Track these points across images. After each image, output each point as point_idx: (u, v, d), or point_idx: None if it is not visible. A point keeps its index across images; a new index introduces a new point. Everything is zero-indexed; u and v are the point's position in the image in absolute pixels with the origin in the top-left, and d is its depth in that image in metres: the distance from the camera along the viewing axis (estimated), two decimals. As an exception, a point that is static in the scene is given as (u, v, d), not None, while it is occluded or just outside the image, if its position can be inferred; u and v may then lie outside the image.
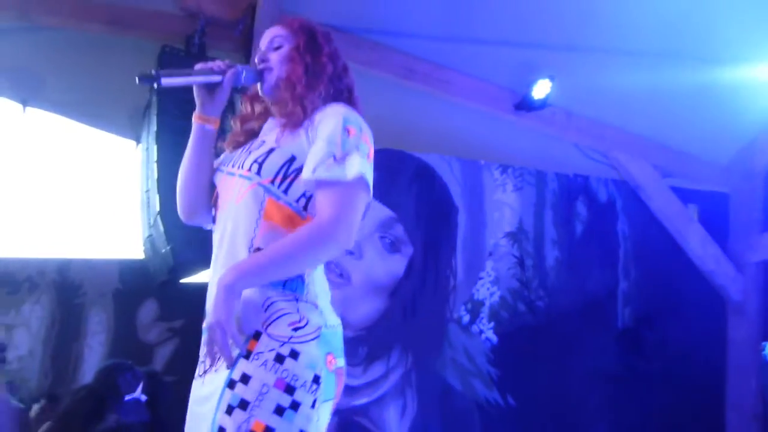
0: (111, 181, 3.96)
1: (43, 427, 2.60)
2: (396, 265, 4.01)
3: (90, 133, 3.85)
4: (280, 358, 1.34)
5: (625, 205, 4.56)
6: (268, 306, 1.40)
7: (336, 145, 1.42)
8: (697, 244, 4.50)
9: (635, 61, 3.78)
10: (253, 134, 1.63)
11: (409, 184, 4.12)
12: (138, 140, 3.59)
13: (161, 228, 3.04)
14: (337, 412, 3.86)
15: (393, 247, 4.01)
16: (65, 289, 3.75)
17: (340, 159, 1.41)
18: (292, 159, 1.47)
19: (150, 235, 3.27)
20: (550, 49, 3.79)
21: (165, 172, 3.01)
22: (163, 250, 3.11)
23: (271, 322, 1.38)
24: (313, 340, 1.38)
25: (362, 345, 3.87)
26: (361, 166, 1.42)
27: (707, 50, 3.65)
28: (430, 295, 4.07)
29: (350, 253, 3.90)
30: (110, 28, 3.47)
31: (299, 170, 1.46)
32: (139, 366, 2.92)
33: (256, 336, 1.37)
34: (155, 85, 1.52)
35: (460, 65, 3.94)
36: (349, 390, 3.79)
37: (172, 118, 3.09)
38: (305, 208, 1.45)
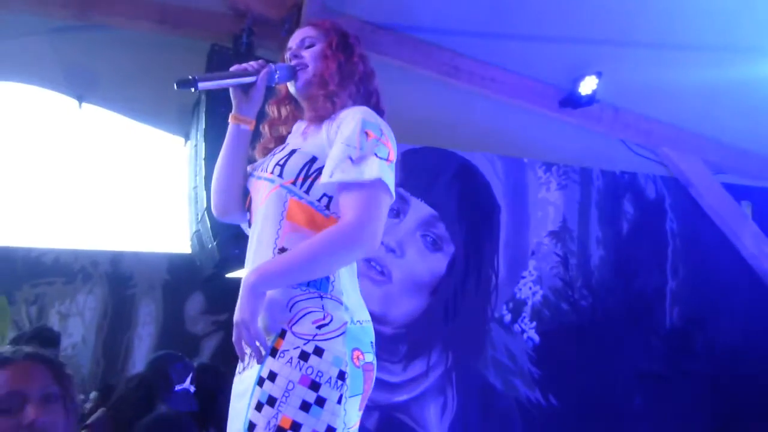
0: (161, 177, 4.06)
1: (96, 415, 2.70)
2: (437, 263, 4.01)
3: (141, 130, 3.96)
4: (304, 356, 1.38)
5: (674, 203, 4.45)
6: (293, 305, 1.43)
7: (353, 148, 1.44)
8: (751, 242, 4.36)
9: (685, 55, 3.67)
10: (281, 140, 1.67)
11: (451, 182, 4.10)
12: (187, 137, 3.68)
13: (208, 224, 3.11)
14: (377, 408, 3.92)
15: (435, 246, 4.01)
16: (117, 280, 3.87)
17: (357, 161, 1.43)
18: (313, 159, 1.50)
19: (197, 231, 3.35)
20: (596, 44, 3.71)
21: (212, 169, 3.07)
22: (210, 245, 3.19)
23: (296, 321, 1.41)
24: (338, 336, 1.41)
25: (402, 343, 3.88)
26: (379, 168, 1.43)
27: (761, 43, 3.52)
28: (471, 293, 4.06)
29: (392, 251, 3.92)
30: (161, 27, 3.56)
31: (320, 170, 1.48)
32: (187, 357, 3.00)
33: (282, 334, 1.41)
34: (192, 90, 1.56)
35: (505, 62, 3.90)
36: (389, 386, 3.82)
37: (220, 117, 3.15)
38: (327, 207, 1.48)
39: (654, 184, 4.44)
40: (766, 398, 4.31)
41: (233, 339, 1.49)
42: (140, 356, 3.63)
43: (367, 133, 1.46)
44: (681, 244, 4.42)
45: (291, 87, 1.64)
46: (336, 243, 1.41)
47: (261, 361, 1.39)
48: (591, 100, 3.91)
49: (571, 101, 3.93)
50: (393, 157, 1.50)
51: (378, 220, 1.43)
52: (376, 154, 1.45)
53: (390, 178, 1.46)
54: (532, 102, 4.02)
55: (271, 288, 1.42)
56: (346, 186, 1.43)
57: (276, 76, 1.60)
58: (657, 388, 4.21)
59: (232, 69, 1.62)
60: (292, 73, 1.61)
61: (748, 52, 3.58)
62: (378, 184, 1.43)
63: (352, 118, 1.49)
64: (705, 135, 4.33)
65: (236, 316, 1.40)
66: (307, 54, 1.61)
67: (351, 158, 1.43)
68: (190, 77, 1.55)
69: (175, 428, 1.99)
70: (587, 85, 3.84)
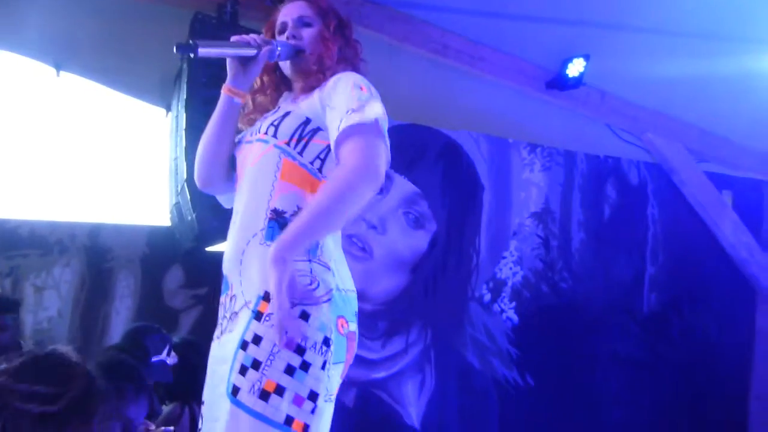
0: (141, 148, 4.00)
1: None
2: (419, 241, 4.00)
3: (122, 100, 3.88)
4: None
5: (657, 189, 4.48)
6: None
7: (353, 102, 1.46)
8: (730, 231, 4.41)
9: (675, 42, 3.67)
10: (265, 110, 1.66)
11: (435, 160, 4.09)
12: (168, 108, 3.62)
13: (188, 196, 3.06)
14: (355, 384, 3.93)
15: (417, 223, 4.00)
16: (95, 253, 3.81)
17: (358, 108, 1.44)
18: (307, 121, 1.50)
19: (177, 203, 3.30)
20: (586, 26, 3.70)
21: (193, 140, 3.01)
22: (189, 218, 3.15)
23: None
24: (324, 302, 1.40)
25: (382, 320, 3.89)
26: (380, 109, 1.46)
27: (750, 34, 3.53)
28: (452, 272, 4.06)
29: (373, 227, 3.90)
30: (143, -6, 3.47)
31: (313, 132, 1.49)
32: (165, 331, 2.97)
33: (267, 297, 1.39)
34: (192, 55, 1.54)
35: (494, 41, 3.87)
36: (367, 363, 3.83)
37: (202, 87, 3.09)
38: (320, 170, 1.48)
39: (637, 169, 4.46)
40: (740, 384, 4.39)
41: (221, 301, 1.50)
42: (118, 330, 3.59)
43: (360, 87, 1.49)
44: (661, 230, 4.46)
45: (285, 62, 1.64)
46: (344, 186, 1.40)
47: (292, 348, 1.36)
48: (578, 82, 3.90)
49: (558, 83, 3.92)
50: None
51: (380, 156, 1.43)
52: (373, 99, 1.48)
53: (386, 124, 1.48)
54: (520, 82, 4.00)
55: (297, 252, 1.39)
56: (350, 130, 1.43)
57: (277, 54, 1.59)
58: (633, 372, 4.26)
59: (233, 39, 1.59)
60: (293, 54, 1.61)
61: (737, 43, 3.59)
62: (377, 127, 1.44)
63: (343, 83, 1.50)
64: (690, 123, 4.35)
65: (274, 302, 1.34)
66: (305, 34, 1.61)
67: (353, 110, 1.44)
68: (191, 42, 1.53)
69: (127, 373, 1.97)
70: (575, 68, 3.83)
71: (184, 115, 3.15)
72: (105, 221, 3.91)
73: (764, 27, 3.49)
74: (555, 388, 4.10)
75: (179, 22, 3.30)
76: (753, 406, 4.38)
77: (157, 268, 3.85)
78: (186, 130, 3.12)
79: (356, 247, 3.85)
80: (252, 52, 1.56)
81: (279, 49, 1.59)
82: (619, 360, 4.25)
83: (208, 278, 3.73)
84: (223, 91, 1.62)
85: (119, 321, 3.75)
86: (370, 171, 1.41)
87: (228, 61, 1.60)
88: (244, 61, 1.58)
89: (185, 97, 3.17)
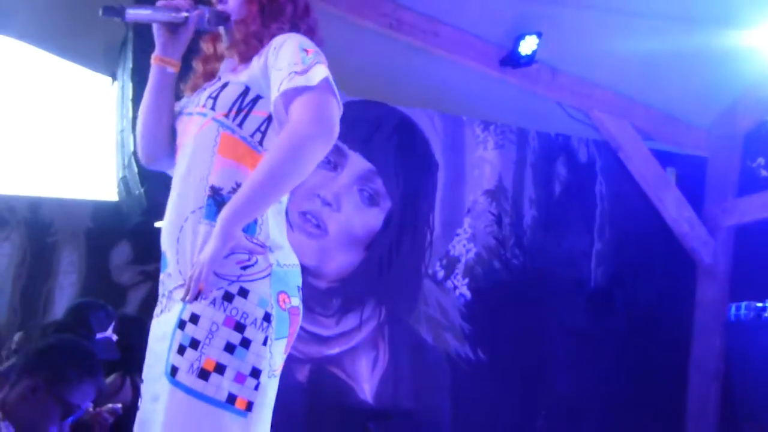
0: (86, 118, 3.86)
1: (6, 363, 2.58)
2: (374, 218, 4.00)
3: (65, 67, 3.73)
4: (228, 297, 1.35)
5: (605, 166, 4.57)
6: None
7: (296, 65, 1.39)
8: (673, 207, 4.54)
9: (624, 21, 3.73)
10: (212, 77, 1.60)
11: (389, 137, 4.07)
12: (114, 77, 3.49)
13: (135, 169, 2.98)
14: (309, 361, 3.93)
15: (371, 201, 3.99)
16: (36, 227, 3.68)
17: (301, 72, 1.38)
18: (246, 90, 1.45)
19: (124, 177, 3.21)
20: (539, 3, 3.72)
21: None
22: (137, 192, 3.06)
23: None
24: (263, 278, 1.38)
25: (336, 296, 3.89)
26: (325, 72, 1.39)
27: (695, 13, 3.61)
28: (406, 249, 4.08)
29: (328, 204, 3.87)
30: (86, -43, 3.32)
31: (253, 102, 1.44)
32: (112, 308, 2.90)
33: None
34: (117, 19, 1.48)
35: (447, 17, 3.85)
36: (321, 340, 3.83)
37: (149, 56, 2.97)
38: (260, 143, 1.43)
39: (586, 147, 4.55)
40: (681, 355, 4.57)
41: (161, 279, 1.46)
42: (61, 306, 3.48)
43: (306, 50, 1.42)
44: (609, 206, 4.57)
45: (221, 30, 1.59)
46: (295, 144, 1.35)
47: (191, 300, 1.34)
48: (530, 60, 3.92)
49: (511, 60, 3.94)
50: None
51: (331, 114, 1.37)
52: (319, 63, 1.41)
53: (334, 87, 1.42)
54: (473, 59, 4.00)
55: (247, 220, 1.36)
56: (294, 92, 1.37)
57: (206, 20, 1.54)
58: (580, 344, 4.39)
59: (159, 4, 1.53)
60: (222, 20, 1.55)
61: (683, 22, 3.67)
62: (326, 84, 1.39)
63: (287, 43, 1.44)
64: (636, 101, 4.43)
65: (202, 254, 1.35)
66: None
67: (296, 72, 1.38)
68: (117, 6, 1.47)
69: (74, 355, 1.93)
70: (527, 45, 3.85)
71: (131, 85, 3.05)
72: (47, 195, 3.78)
73: (707, 7, 3.57)
74: (506, 362, 4.19)
75: (125, -12, 3.17)
76: (692, 375, 4.57)
77: (103, 244, 3.75)
78: (133, 101, 3.02)
79: (311, 224, 3.82)
80: (180, 17, 1.51)
81: (208, 16, 1.53)
82: (568, 333, 4.37)
83: (156, 254, 3.64)
84: (153, 62, 1.55)
85: (64, 297, 3.64)
86: (321, 126, 1.36)
87: (155, 28, 1.53)
88: (173, 28, 1.52)
89: (132, 66, 3.07)
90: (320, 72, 1.39)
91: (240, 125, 1.43)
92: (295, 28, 1.53)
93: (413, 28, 3.82)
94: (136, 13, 1.50)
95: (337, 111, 1.39)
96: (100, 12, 1.45)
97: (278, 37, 1.47)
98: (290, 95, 1.37)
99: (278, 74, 1.40)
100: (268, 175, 1.36)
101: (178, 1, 1.52)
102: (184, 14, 1.51)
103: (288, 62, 1.40)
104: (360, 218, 3.96)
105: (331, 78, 1.40)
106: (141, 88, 2.96)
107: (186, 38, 1.54)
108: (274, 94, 1.39)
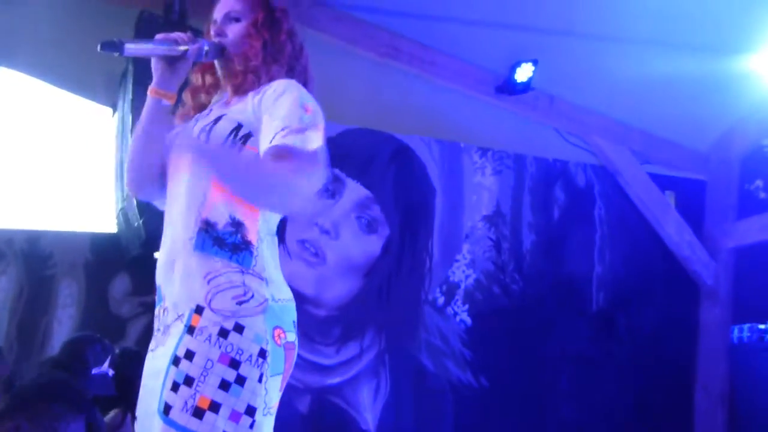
0: (85, 150, 3.87)
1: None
2: (372, 245, 3.99)
3: (66, 99, 3.75)
4: (224, 333, 1.33)
5: (603, 191, 4.58)
6: (211, 279, 1.38)
7: (294, 120, 1.39)
8: (673, 230, 4.54)
9: (619, 47, 3.76)
10: (203, 108, 1.60)
11: (387, 164, 4.09)
12: (115, 108, 3.51)
13: (134, 200, 2.98)
14: (310, 391, 3.89)
15: (369, 228, 3.99)
16: (35, 260, 3.66)
17: (298, 130, 1.37)
18: (239, 126, 1.44)
19: (123, 208, 3.21)
20: (535, 32, 3.76)
21: (139, 143, 2.94)
22: (136, 224, 3.06)
23: (214, 296, 1.36)
24: (259, 314, 1.36)
25: (336, 325, 3.86)
26: (320, 141, 1.39)
27: (692, 39, 3.65)
28: (405, 276, 4.07)
29: (326, 232, 3.87)
30: (89, -10, 3.37)
31: (245, 138, 1.43)
32: (110, 340, 2.87)
33: (199, 311, 1.36)
34: (116, 54, 1.47)
35: (444, 46, 3.89)
36: (322, 369, 3.80)
37: (148, 88, 3.01)
38: None
39: (584, 172, 4.56)
40: (685, 380, 4.53)
41: (156, 313, 1.45)
42: (59, 340, 3.44)
43: (306, 108, 1.41)
44: (608, 230, 4.57)
45: (216, 62, 1.59)
46: (275, 181, 1.32)
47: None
48: (526, 87, 3.96)
49: (508, 88, 3.97)
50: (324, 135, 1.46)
51: (314, 190, 1.36)
52: (316, 128, 1.40)
53: (325, 158, 1.41)
54: (470, 87, 4.03)
55: (203, 157, 1.36)
56: (286, 150, 1.35)
57: (204, 53, 1.54)
58: (583, 370, 4.35)
59: (157, 37, 1.53)
60: (220, 53, 1.55)
61: (676, 48, 3.71)
62: (318, 155, 1.37)
63: (287, 93, 1.43)
64: (633, 126, 4.46)
65: None
66: (231, 31, 1.55)
67: (290, 129, 1.37)
68: (116, 40, 1.46)
69: (59, 392, 1.90)
70: (523, 73, 3.88)
71: (131, 116, 3.06)
72: (46, 228, 3.77)
73: (703, 34, 3.61)
74: (508, 389, 4.15)
75: (125, 19, 3.21)
76: (698, 398, 4.52)
77: (103, 276, 3.73)
78: (132, 132, 3.03)
79: (309, 253, 3.81)
80: (179, 50, 1.50)
81: (206, 48, 1.53)
82: (570, 358, 4.33)
83: (156, 285, 3.63)
84: (150, 94, 1.54)
85: (62, 330, 3.61)
86: (304, 192, 1.34)
87: (153, 61, 1.53)
88: (172, 61, 1.51)
89: (131, 97, 3.09)
90: (316, 140, 1.37)
91: None
92: (291, 70, 1.54)
93: (410, 57, 3.86)
94: (135, 48, 1.50)
95: (319, 185, 1.37)
96: (99, 47, 1.45)
97: (279, 83, 1.47)
98: (281, 151, 1.35)
99: (272, 124, 1.39)
100: (246, 167, 1.35)
101: (176, 35, 1.52)
102: (183, 47, 1.51)
103: (284, 115, 1.39)
104: (358, 246, 3.95)
105: (323, 149, 1.39)
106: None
107: (184, 71, 1.54)
108: (265, 144, 1.38)
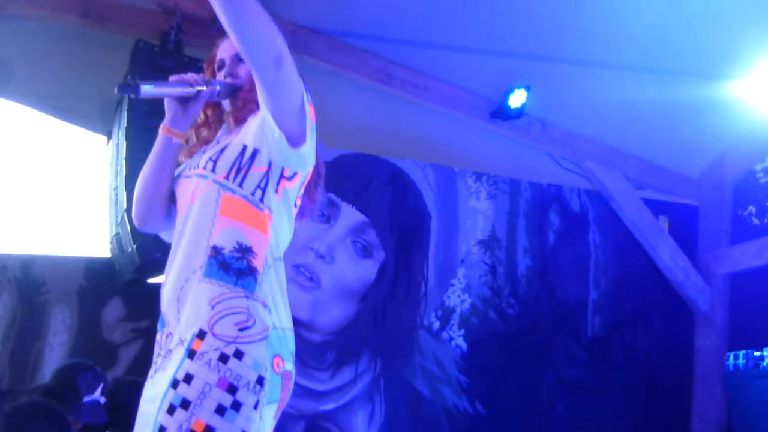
0: (79, 176, 3.88)
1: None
2: (367, 270, 3.99)
3: (60, 127, 3.77)
4: (224, 358, 1.34)
5: (597, 216, 4.60)
6: (216, 303, 1.39)
7: None
8: (667, 255, 4.55)
9: (612, 74, 3.82)
10: (206, 143, 1.65)
11: (382, 189, 4.10)
12: (109, 136, 3.53)
13: (128, 226, 2.98)
14: (303, 417, 3.84)
15: (365, 252, 3.99)
16: (27, 286, 3.64)
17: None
18: (244, 149, 1.49)
19: (117, 233, 3.20)
20: (527, 59, 3.81)
21: (134, 169, 2.95)
22: (130, 249, 3.06)
23: (217, 321, 1.37)
24: (259, 341, 1.37)
25: (331, 350, 3.84)
26: (300, 84, 1.48)
27: (682, 66, 3.70)
28: (400, 301, 4.06)
29: (321, 257, 3.87)
30: (85, 20, 3.40)
31: (252, 158, 1.47)
32: (102, 367, 2.84)
33: (201, 335, 1.37)
34: (133, 95, 1.50)
35: (438, 72, 3.94)
36: (316, 395, 3.76)
37: (143, 116, 3.03)
38: (261, 200, 1.46)
39: (578, 197, 4.58)
40: (682, 403, 4.50)
41: (157, 339, 1.46)
42: (51, 367, 3.40)
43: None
44: (603, 255, 4.58)
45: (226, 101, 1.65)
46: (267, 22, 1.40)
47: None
48: (520, 113, 4.00)
49: (501, 113, 4.01)
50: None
51: (293, 84, 1.45)
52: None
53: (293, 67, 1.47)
54: (464, 112, 4.07)
55: None
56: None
57: (216, 93, 1.60)
58: (580, 396, 4.32)
59: (171, 79, 1.58)
60: (233, 93, 1.61)
61: (670, 75, 3.76)
62: (292, 64, 1.45)
63: None
64: (626, 151, 4.50)
65: None
66: (242, 71, 1.60)
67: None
68: (132, 82, 1.52)
69: (41, 416, 1.88)
70: (517, 99, 3.93)
71: (125, 143, 3.08)
72: (39, 253, 3.76)
73: (692, 60, 3.67)
74: (505, 415, 4.11)
75: (121, 49, 3.25)
76: (695, 425, 4.49)
77: (96, 301, 3.71)
78: (126, 159, 3.05)
79: (304, 277, 3.81)
80: (192, 92, 1.55)
81: (218, 88, 1.59)
82: (566, 384, 4.31)
83: (149, 311, 3.60)
84: (162, 131, 1.60)
85: (53, 357, 3.57)
86: (270, 34, 1.40)
87: (166, 101, 1.58)
88: (184, 101, 1.57)
89: (126, 125, 3.11)
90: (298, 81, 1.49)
91: (240, 185, 1.46)
92: None
93: (404, 83, 3.90)
94: (151, 90, 1.53)
95: (282, 52, 1.42)
96: (116, 90, 1.49)
97: None
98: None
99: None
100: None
101: (190, 76, 1.56)
102: (197, 89, 1.55)
103: None
104: (354, 270, 3.94)
105: (300, 82, 1.49)
106: (134, 146, 3.02)
107: (196, 111, 1.60)
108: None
